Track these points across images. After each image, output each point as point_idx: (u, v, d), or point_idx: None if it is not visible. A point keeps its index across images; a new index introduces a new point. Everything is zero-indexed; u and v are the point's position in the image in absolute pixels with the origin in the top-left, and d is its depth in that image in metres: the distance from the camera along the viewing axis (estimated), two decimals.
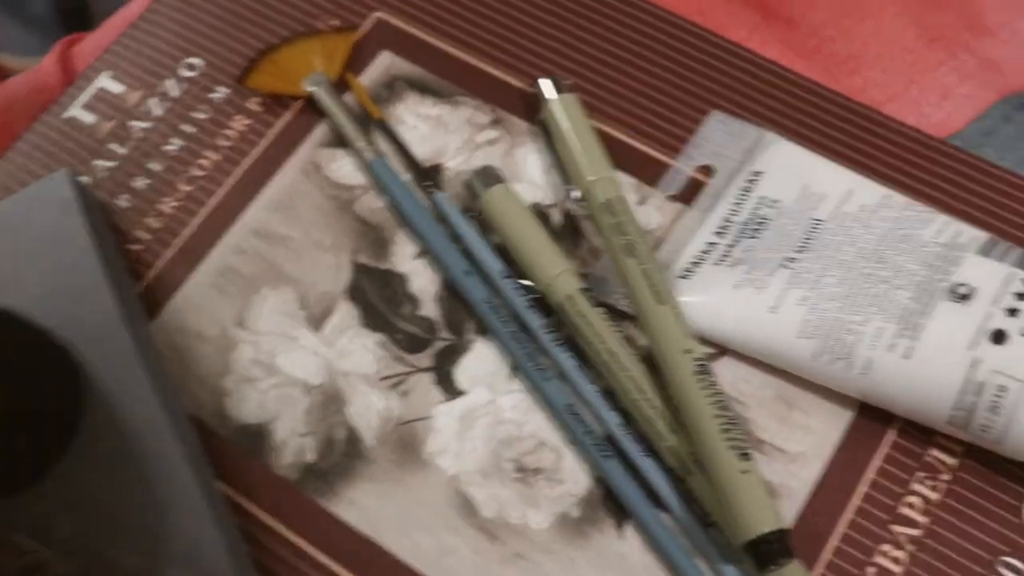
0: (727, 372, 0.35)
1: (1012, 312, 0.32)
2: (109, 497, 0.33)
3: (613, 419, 0.34)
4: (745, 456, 0.31)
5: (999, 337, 0.32)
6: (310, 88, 0.40)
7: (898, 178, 0.38)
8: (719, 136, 0.39)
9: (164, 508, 0.33)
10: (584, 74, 0.41)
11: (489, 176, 0.38)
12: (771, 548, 0.30)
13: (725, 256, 0.36)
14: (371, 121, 0.40)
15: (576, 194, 0.38)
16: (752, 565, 0.31)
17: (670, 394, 0.33)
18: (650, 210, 0.38)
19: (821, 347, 0.33)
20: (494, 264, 0.37)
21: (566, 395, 0.35)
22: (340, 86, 0.41)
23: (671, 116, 0.40)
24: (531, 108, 0.40)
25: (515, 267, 0.37)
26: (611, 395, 0.35)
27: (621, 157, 0.39)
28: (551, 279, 0.36)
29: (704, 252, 0.36)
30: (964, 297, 0.33)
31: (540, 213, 0.39)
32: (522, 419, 0.35)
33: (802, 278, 0.35)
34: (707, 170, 0.38)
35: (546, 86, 0.39)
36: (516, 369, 0.36)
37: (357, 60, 0.42)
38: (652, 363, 0.34)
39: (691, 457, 0.33)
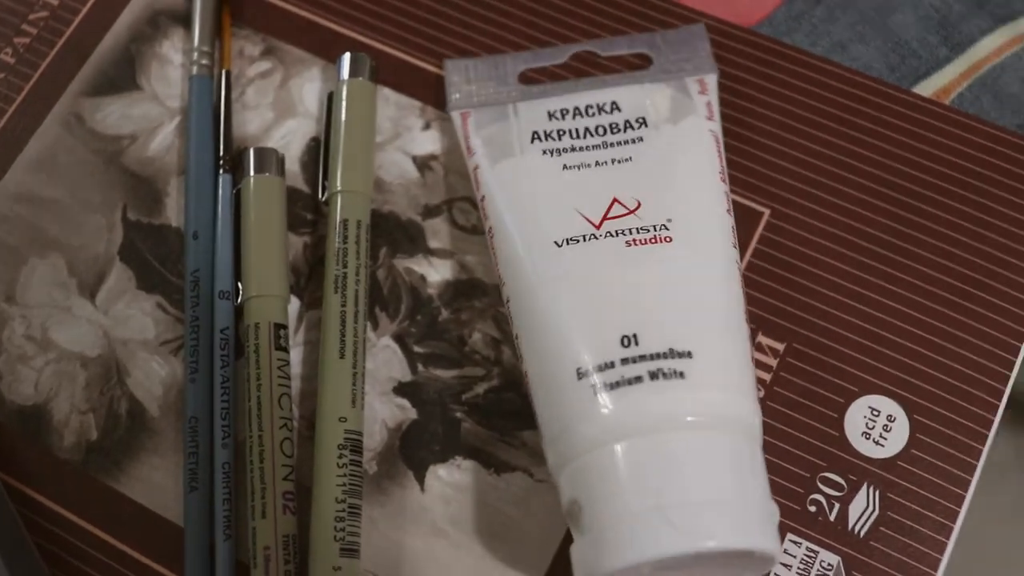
0: None
1: None
2: None
3: (221, 457, 0.31)
4: (349, 552, 0.30)
5: None
6: None
7: None
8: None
9: None
10: None
11: (264, 160, 0.34)
12: None
13: None
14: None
15: (323, 196, 0.34)
16: None
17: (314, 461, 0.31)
18: (435, 134, 0.35)
19: None
20: (226, 246, 0.34)
21: (199, 406, 0.32)
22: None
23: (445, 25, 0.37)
24: (303, 35, 0.37)
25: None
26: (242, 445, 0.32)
27: (402, 77, 0.36)
28: (248, 297, 0.33)
29: None
30: None
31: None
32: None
33: None
34: None
35: (344, 63, 0.35)
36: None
37: None
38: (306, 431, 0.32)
39: (264, 552, 0.30)
